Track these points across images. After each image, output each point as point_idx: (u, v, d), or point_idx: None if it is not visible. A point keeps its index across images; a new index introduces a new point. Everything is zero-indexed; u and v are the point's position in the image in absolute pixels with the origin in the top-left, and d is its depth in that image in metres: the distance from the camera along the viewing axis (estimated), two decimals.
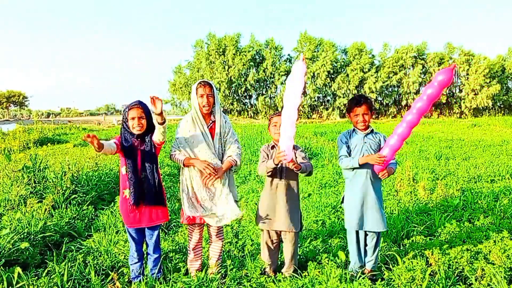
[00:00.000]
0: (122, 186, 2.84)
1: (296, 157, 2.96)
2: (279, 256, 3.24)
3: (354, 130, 2.98)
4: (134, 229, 2.88)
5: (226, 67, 31.75)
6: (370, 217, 2.85)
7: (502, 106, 32.62)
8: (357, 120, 2.89)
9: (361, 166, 2.80)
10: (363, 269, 3.03)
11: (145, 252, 3.06)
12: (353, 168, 2.86)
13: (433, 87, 2.51)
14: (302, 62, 2.57)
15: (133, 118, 2.76)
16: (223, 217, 2.87)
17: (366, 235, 2.97)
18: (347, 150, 2.94)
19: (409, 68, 31.56)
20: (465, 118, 30.13)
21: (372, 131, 2.94)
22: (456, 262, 2.97)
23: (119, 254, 3.40)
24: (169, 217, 4.35)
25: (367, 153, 2.86)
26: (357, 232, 2.96)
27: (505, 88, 31.96)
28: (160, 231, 3.01)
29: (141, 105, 2.80)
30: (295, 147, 3.01)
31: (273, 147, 3.00)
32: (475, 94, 30.40)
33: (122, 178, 2.84)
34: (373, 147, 2.89)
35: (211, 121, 2.96)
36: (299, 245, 3.63)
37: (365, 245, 3.00)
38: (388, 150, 2.68)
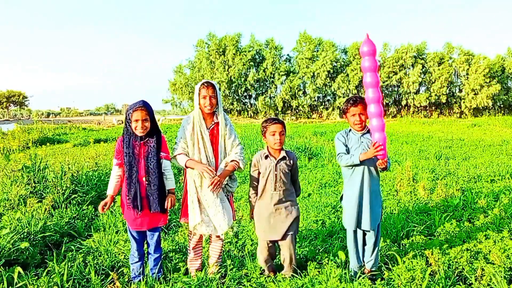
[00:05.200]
0: (124, 188, 2.83)
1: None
2: (277, 256, 3.24)
3: (350, 130, 2.99)
4: (136, 230, 2.88)
5: (226, 67, 31.74)
6: (365, 216, 2.84)
7: (502, 106, 32.57)
8: (354, 120, 2.89)
9: (361, 163, 2.80)
10: (363, 268, 3.03)
11: (145, 252, 3.06)
12: (352, 166, 2.86)
13: (366, 60, 2.66)
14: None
15: (136, 120, 2.72)
16: (220, 228, 2.88)
17: (364, 234, 2.97)
18: (346, 148, 2.94)
19: (409, 68, 31.51)
20: (465, 118, 30.11)
21: (368, 131, 2.95)
22: (456, 262, 2.97)
23: (119, 254, 3.40)
24: (169, 217, 4.37)
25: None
26: (355, 232, 2.96)
27: (505, 88, 31.91)
28: (161, 231, 3.01)
29: (145, 106, 2.77)
30: (289, 155, 2.95)
31: (267, 156, 2.90)
32: (475, 94, 30.37)
33: (124, 180, 2.83)
34: (370, 146, 2.89)
35: (213, 122, 2.95)
36: (298, 245, 3.64)
37: (365, 244, 3.00)
38: (377, 133, 2.70)
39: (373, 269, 2.99)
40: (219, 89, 2.94)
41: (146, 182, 2.75)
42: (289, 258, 2.97)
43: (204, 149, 2.88)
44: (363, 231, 2.95)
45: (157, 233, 2.93)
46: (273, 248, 3.02)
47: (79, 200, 5.08)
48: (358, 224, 2.89)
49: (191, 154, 2.88)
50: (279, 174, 2.85)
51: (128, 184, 2.74)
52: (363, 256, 3.02)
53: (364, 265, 3.03)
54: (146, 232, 2.92)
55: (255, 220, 2.98)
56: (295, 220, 2.95)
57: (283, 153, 2.90)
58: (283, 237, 2.89)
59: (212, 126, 2.94)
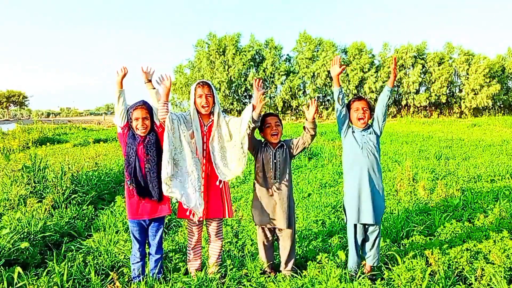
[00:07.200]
0: (126, 176, 2.82)
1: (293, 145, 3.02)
2: (276, 255, 3.25)
3: (351, 127, 2.98)
4: (138, 230, 2.87)
5: (226, 67, 31.74)
6: (365, 210, 2.83)
7: (502, 106, 32.58)
8: (357, 115, 2.89)
9: (359, 159, 2.84)
10: (362, 267, 3.02)
11: (146, 252, 3.06)
12: (339, 108, 2.90)
13: None
14: None
15: (137, 119, 2.73)
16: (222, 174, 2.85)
17: (366, 230, 2.96)
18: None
19: (409, 68, 31.52)
20: (465, 118, 30.11)
21: (369, 126, 2.96)
22: (456, 262, 2.97)
23: (119, 254, 3.40)
24: (168, 217, 4.37)
25: (366, 147, 2.86)
26: (355, 226, 2.95)
27: (505, 88, 31.92)
28: (163, 232, 3.00)
29: (145, 105, 2.77)
30: (286, 142, 3.06)
31: (265, 144, 3.02)
32: (475, 94, 30.36)
33: (126, 168, 2.82)
34: (371, 142, 2.89)
35: (210, 120, 2.94)
36: (298, 245, 3.64)
37: (366, 240, 2.99)
38: None
39: (373, 266, 2.98)
40: (216, 88, 2.89)
41: (146, 170, 2.75)
42: (288, 251, 3.00)
43: (191, 145, 2.82)
44: (365, 225, 2.94)
45: (159, 233, 2.92)
46: (272, 240, 3.06)
47: (79, 200, 5.08)
48: (359, 217, 2.87)
49: (185, 145, 2.80)
50: (278, 163, 2.93)
51: (129, 172, 2.75)
52: (363, 251, 3.02)
53: (363, 261, 3.02)
54: (148, 232, 2.92)
55: (254, 210, 3.02)
56: (293, 207, 3.04)
57: (280, 143, 3.02)
58: (286, 225, 2.92)
59: (210, 123, 2.92)
